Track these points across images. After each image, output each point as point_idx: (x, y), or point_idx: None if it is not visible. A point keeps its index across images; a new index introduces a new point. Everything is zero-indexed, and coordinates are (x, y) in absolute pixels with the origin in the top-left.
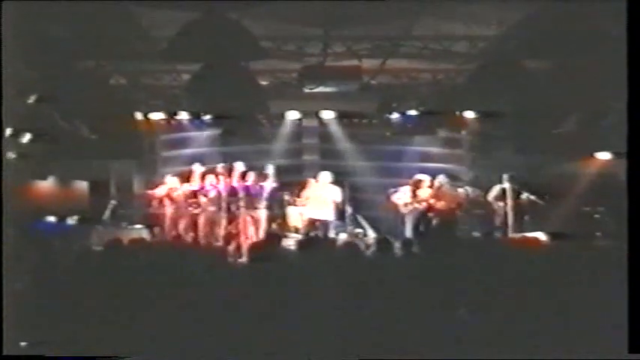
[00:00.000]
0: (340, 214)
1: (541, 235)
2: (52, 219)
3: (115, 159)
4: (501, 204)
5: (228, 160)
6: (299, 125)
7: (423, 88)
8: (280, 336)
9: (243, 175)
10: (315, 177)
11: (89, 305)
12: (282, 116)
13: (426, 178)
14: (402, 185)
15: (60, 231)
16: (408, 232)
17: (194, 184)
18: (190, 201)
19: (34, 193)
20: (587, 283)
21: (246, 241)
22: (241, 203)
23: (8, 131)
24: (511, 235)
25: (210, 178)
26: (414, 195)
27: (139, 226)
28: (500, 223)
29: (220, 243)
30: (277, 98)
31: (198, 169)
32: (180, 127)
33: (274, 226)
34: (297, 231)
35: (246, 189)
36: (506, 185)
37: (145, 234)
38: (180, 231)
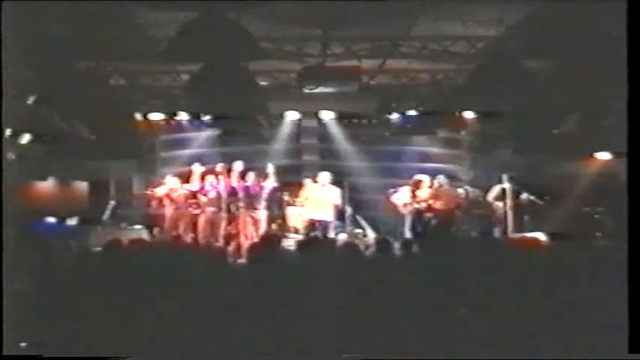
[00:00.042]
0: (340, 214)
1: (541, 236)
2: (51, 219)
3: (115, 159)
4: (501, 204)
5: (228, 160)
6: (298, 126)
7: (423, 89)
8: (280, 336)
9: (243, 176)
10: (314, 177)
11: (89, 305)
12: (281, 117)
13: (425, 179)
14: (401, 185)
15: (59, 231)
16: (408, 233)
17: (194, 185)
18: (190, 201)
19: (34, 193)
20: (587, 283)
21: (245, 242)
22: (241, 204)
23: (8, 132)
24: (511, 235)
25: (210, 179)
26: (414, 195)
27: (138, 226)
28: (500, 223)
29: (220, 243)
30: (277, 99)
31: (197, 169)
32: (179, 127)
33: (274, 226)
34: (296, 231)
35: (246, 189)
36: (506, 185)
37: (145, 234)
38: (180, 231)
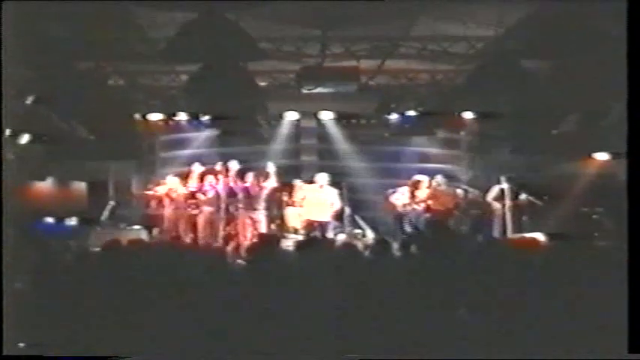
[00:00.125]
0: (338, 215)
1: (539, 236)
2: (50, 220)
3: (114, 160)
4: (500, 204)
5: (227, 160)
6: (297, 126)
7: (422, 89)
8: (279, 336)
9: (243, 176)
10: (307, 178)
11: (88, 305)
12: (280, 117)
13: (424, 179)
14: (400, 186)
15: (59, 232)
16: (407, 233)
17: (193, 185)
18: (189, 202)
19: (33, 193)
20: (587, 283)
21: (244, 242)
22: (240, 204)
23: (7, 132)
24: (509, 235)
25: (210, 179)
26: (413, 196)
27: (137, 226)
28: (499, 223)
29: (219, 243)
30: (276, 99)
31: (197, 169)
32: (178, 127)
33: (273, 226)
34: (295, 232)
35: (246, 189)
36: (505, 186)
37: (144, 235)
38: (179, 232)
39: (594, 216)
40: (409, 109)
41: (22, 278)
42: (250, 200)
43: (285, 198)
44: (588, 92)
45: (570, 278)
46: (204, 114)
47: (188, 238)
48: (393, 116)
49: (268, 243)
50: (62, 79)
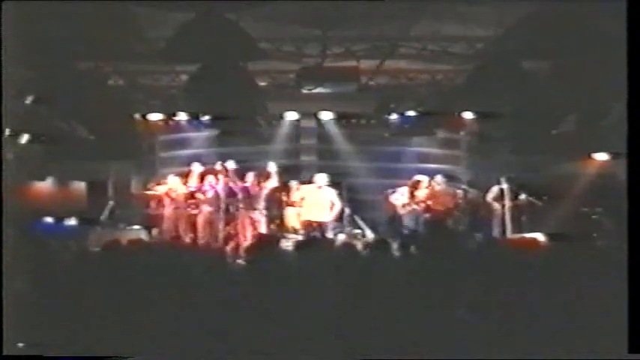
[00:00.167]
0: (338, 215)
1: (539, 236)
2: (50, 220)
3: (114, 160)
4: (499, 205)
5: (227, 160)
6: (297, 126)
7: (422, 89)
8: (279, 336)
9: (242, 176)
10: (310, 178)
11: (88, 305)
12: (280, 117)
13: (424, 179)
14: (400, 186)
15: (58, 232)
16: (406, 233)
17: (193, 185)
18: (189, 201)
19: (33, 193)
20: (586, 283)
21: (244, 242)
22: (240, 204)
23: (7, 132)
24: (509, 235)
25: (209, 179)
26: (412, 196)
27: (137, 226)
28: (499, 223)
29: (219, 243)
30: (275, 99)
31: (197, 168)
32: (178, 127)
33: (272, 226)
34: (295, 232)
35: (245, 190)
36: (505, 186)
37: (143, 235)
38: (179, 231)
39: (594, 216)
40: (409, 109)
41: (22, 278)
42: (250, 200)
43: (285, 198)
44: (588, 92)
45: (570, 278)
46: (204, 114)
47: (188, 238)
48: (393, 116)
49: (268, 243)
50: (62, 79)
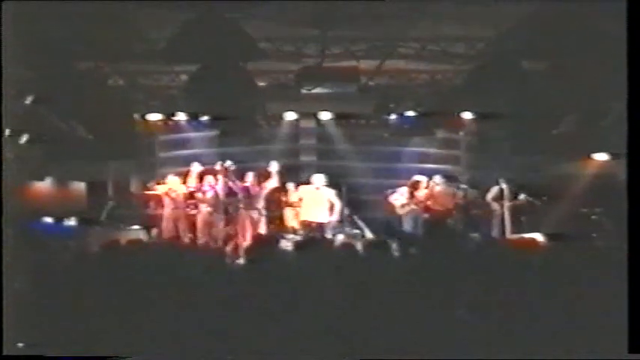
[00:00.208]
0: (340, 214)
1: (539, 236)
2: (49, 220)
3: (113, 160)
4: (499, 205)
5: (226, 161)
6: (297, 126)
7: (421, 89)
8: (278, 336)
9: (242, 176)
10: (308, 179)
11: (87, 305)
12: (279, 117)
13: (423, 179)
14: (399, 186)
15: (57, 232)
16: (406, 233)
17: (192, 184)
18: (189, 202)
19: (32, 193)
20: (586, 283)
21: (243, 242)
22: (239, 204)
23: (6, 132)
24: (508, 236)
25: (209, 179)
26: (412, 196)
27: (136, 226)
28: (498, 224)
29: (218, 244)
30: (275, 99)
31: (196, 168)
32: (178, 128)
33: (272, 227)
34: (294, 232)
35: (245, 190)
36: (504, 186)
37: (143, 235)
38: (179, 232)
39: (593, 216)
40: (408, 110)
41: (22, 278)
42: (250, 200)
43: (284, 198)
44: (588, 92)
45: (569, 278)
46: (204, 114)
47: (187, 238)
48: (393, 116)
49: (267, 243)
50: (62, 79)
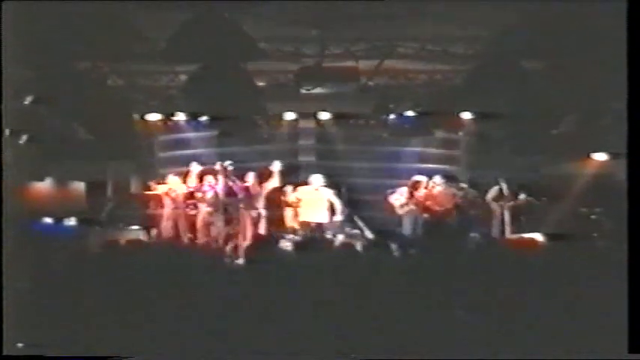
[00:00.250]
0: (343, 213)
1: (538, 236)
2: (49, 220)
3: (113, 160)
4: (499, 205)
5: (225, 161)
6: (296, 126)
7: (420, 89)
8: (278, 336)
9: (242, 176)
10: (306, 179)
11: (87, 305)
12: (279, 117)
13: (423, 179)
14: (399, 186)
15: (57, 232)
16: (406, 233)
17: (191, 184)
18: (188, 202)
19: (31, 193)
20: (585, 283)
21: (244, 242)
22: (239, 204)
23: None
24: (508, 236)
25: (209, 179)
26: (411, 196)
27: (136, 227)
28: (498, 224)
29: (218, 244)
30: (274, 99)
31: (195, 168)
32: (177, 128)
33: (272, 227)
34: (294, 232)
35: (245, 190)
36: (504, 186)
37: (142, 235)
38: (178, 232)
39: (593, 216)
40: (408, 110)
41: (22, 278)
42: (250, 200)
43: (284, 198)
44: (588, 92)
45: (569, 278)
46: (203, 114)
47: (187, 239)
48: (392, 116)
49: (267, 243)
50: (61, 79)
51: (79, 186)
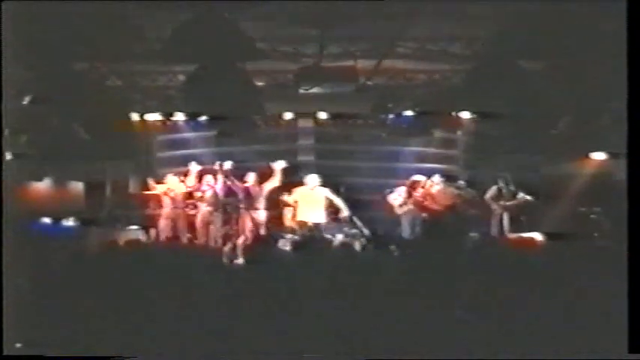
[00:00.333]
0: (336, 215)
1: (537, 236)
2: (48, 220)
3: (111, 160)
4: (498, 204)
5: (224, 161)
6: (295, 126)
7: (419, 89)
8: (277, 335)
9: (241, 176)
10: (302, 180)
11: (87, 305)
12: (278, 117)
13: (422, 179)
14: (397, 186)
15: (56, 232)
16: (404, 233)
17: (190, 184)
18: (187, 201)
19: (30, 194)
20: (585, 283)
21: (243, 242)
22: (239, 204)
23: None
24: (507, 235)
25: (208, 178)
26: (410, 196)
27: (135, 227)
28: (497, 223)
29: (217, 243)
30: (273, 99)
31: (194, 168)
32: (176, 128)
33: (271, 227)
34: (293, 232)
35: (245, 189)
36: (503, 185)
37: (141, 235)
38: (177, 232)
39: (592, 216)
40: (407, 109)
41: (21, 278)
42: (249, 200)
43: (282, 198)
44: (588, 92)
45: (567, 278)
46: (202, 114)
47: (186, 239)
48: (390, 116)
49: (266, 243)
50: (60, 79)
51: (78, 186)
